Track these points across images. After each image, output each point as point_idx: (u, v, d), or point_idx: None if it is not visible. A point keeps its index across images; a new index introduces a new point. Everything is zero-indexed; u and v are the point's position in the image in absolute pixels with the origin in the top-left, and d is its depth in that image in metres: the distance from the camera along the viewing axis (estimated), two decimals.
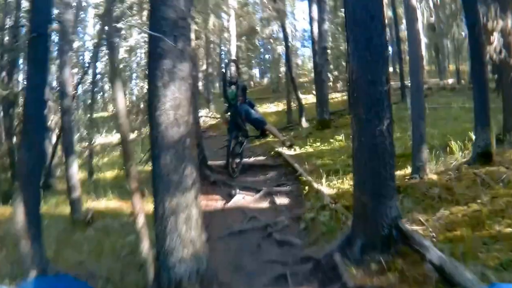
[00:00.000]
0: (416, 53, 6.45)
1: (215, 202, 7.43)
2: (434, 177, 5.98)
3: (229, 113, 9.37)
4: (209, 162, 9.89)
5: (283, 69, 24.36)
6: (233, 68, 10.21)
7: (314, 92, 16.83)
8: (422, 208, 5.15)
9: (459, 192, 5.36)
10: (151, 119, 3.99)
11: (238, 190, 7.55)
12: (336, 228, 5.13)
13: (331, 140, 10.84)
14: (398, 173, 6.29)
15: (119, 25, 7.49)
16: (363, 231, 4.02)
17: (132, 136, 17.68)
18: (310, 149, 10.62)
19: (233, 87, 9.44)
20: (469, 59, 9.73)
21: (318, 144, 10.86)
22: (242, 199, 7.23)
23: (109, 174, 12.88)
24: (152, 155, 4.08)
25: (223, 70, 10.00)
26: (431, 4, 16.55)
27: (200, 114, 22.99)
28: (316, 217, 5.66)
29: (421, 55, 6.66)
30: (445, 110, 13.45)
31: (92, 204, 8.43)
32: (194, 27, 8.58)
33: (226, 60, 10.84)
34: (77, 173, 7.91)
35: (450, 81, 23.44)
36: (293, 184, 7.61)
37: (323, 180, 6.87)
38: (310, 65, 28.08)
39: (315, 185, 6.71)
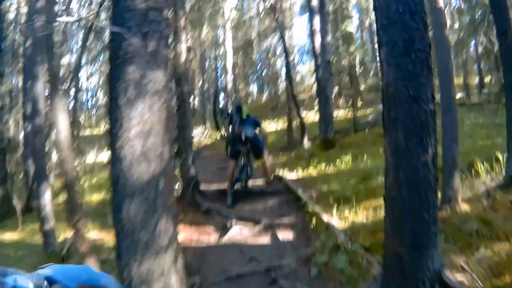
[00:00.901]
0: (446, 64, 5.64)
1: (208, 236, 6.60)
2: (466, 206, 5.19)
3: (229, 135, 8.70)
4: (202, 187, 9.12)
5: (282, 85, 23.74)
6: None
7: (315, 109, 16.16)
8: (459, 248, 4.35)
9: (498, 224, 4.60)
10: (111, 152, 2.97)
11: (234, 221, 6.72)
12: (357, 278, 4.26)
13: (337, 162, 10.07)
14: None
15: (62, 18, 6.57)
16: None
17: None
18: (313, 172, 9.84)
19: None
20: (499, 70, 8.97)
21: (323, 166, 10.07)
22: (239, 232, 6.38)
23: (95, 197, 12.04)
24: (112, 203, 3.04)
25: (213, 99, 9.46)
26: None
27: (194, 133, 22.49)
28: (330, 260, 4.79)
29: (451, 66, 5.86)
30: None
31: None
32: (185, 36, 7.84)
33: (215, 90, 10.23)
34: (50, 202, 7.14)
35: (458, 95, 22.83)
36: (297, 215, 6.78)
37: (334, 211, 6.06)
38: (308, 81, 27.48)
39: (324, 217, 5.89)
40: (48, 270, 1.08)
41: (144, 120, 2.89)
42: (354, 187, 7.38)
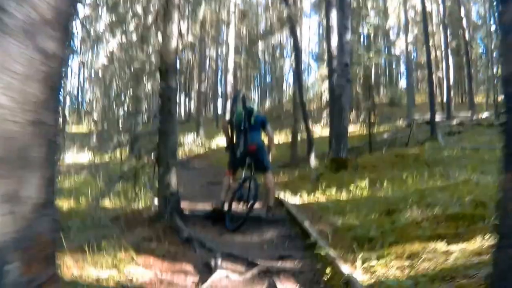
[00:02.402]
0: None
1: (184, 277, 5.14)
2: None
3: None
4: (186, 206, 7.78)
5: (288, 92, 22.52)
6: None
7: (322, 122, 14.85)
8: None
9: None
10: None
11: (220, 261, 5.30)
12: None
13: (351, 187, 8.71)
14: (464, 246, 4.42)
15: None
16: None
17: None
18: (322, 198, 8.51)
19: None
20: None
21: (333, 191, 8.73)
22: (225, 278, 4.96)
23: (67, 204, 10.60)
24: None
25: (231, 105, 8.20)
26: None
27: (186, 141, 21.26)
28: None
29: None
30: (489, 152, 11.39)
31: None
32: (178, 15, 6.58)
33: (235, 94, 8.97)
34: None
35: (485, 115, 21.60)
36: (304, 258, 5.36)
37: (358, 261, 4.66)
38: (315, 90, 26.08)
39: (343, 267, 4.48)
40: None
41: None
42: (377, 223, 6.00)
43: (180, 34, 6.91)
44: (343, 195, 8.41)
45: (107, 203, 9.13)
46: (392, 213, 6.37)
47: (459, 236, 4.80)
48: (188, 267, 5.41)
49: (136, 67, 8.42)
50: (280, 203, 8.21)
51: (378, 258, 4.66)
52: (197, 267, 5.38)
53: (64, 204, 10.38)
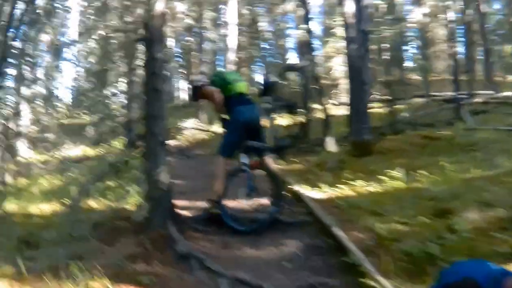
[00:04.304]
0: None
1: None
2: None
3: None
4: (182, 203, 6.38)
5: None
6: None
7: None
8: None
9: None
10: None
11: None
12: None
13: (381, 177, 7.20)
14: None
15: None
16: None
17: None
18: (348, 191, 7.02)
19: None
20: None
21: (361, 182, 7.23)
22: None
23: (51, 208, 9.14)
24: None
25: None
26: None
27: (186, 125, 19.81)
28: None
29: None
30: None
31: None
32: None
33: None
34: None
35: (508, 93, 19.88)
36: (342, 285, 3.94)
37: None
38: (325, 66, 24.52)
39: None
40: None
41: None
42: (431, 229, 4.55)
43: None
44: (373, 187, 6.92)
45: (92, 203, 7.76)
46: (445, 215, 4.92)
47: None
48: None
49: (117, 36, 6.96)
50: (298, 197, 6.78)
51: None
52: None
53: (48, 208, 9.01)
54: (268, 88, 6.15)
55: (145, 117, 5.63)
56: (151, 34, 5.54)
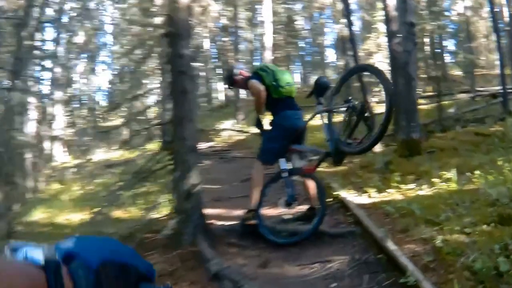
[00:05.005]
0: None
1: None
2: None
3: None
4: (216, 211, 5.89)
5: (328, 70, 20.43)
6: None
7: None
8: None
9: None
10: None
11: None
12: None
13: (433, 179, 6.51)
14: None
15: None
16: None
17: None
18: (398, 195, 6.35)
19: None
20: None
21: (412, 185, 6.56)
22: None
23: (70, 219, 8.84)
24: None
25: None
26: None
27: (224, 127, 19.56)
28: None
29: None
30: None
31: None
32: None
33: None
34: None
35: None
36: None
37: None
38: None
39: None
40: (69, 242, 0.88)
41: None
42: (497, 241, 3.86)
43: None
44: (425, 191, 6.24)
45: (121, 212, 7.38)
46: (508, 221, 4.22)
47: None
48: None
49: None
50: (342, 204, 6.19)
51: None
52: None
53: (77, 216, 8.71)
54: (322, 88, 5.56)
55: (172, 120, 5.14)
56: (176, 28, 5.05)
